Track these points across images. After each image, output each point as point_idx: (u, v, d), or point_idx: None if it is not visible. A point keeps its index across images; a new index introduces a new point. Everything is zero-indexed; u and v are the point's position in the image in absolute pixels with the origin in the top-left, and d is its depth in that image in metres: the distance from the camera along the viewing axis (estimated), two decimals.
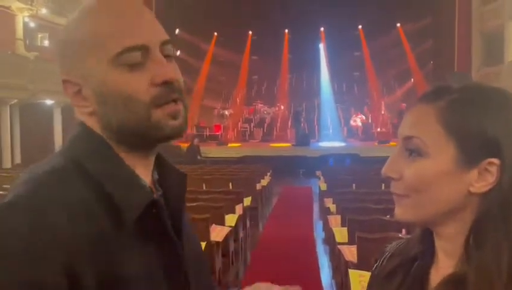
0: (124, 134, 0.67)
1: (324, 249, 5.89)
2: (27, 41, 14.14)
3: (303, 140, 15.89)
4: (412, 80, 18.84)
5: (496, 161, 0.60)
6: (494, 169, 0.60)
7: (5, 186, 6.97)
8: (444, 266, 0.65)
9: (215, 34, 19.92)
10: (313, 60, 20.46)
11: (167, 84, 0.66)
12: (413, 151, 0.63)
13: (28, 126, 13.51)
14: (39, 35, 16.08)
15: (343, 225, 4.25)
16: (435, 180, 0.61)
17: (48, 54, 14.67)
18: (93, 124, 0.69)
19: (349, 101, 20.36)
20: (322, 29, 20.34)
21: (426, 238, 0.69)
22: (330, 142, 16.47)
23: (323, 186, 7.68)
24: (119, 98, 0.65)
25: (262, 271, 5.17)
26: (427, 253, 0.69)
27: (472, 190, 0.61)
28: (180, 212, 0.75)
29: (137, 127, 0.66)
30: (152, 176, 0.75)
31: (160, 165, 0.77)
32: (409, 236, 0.77)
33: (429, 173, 0.62)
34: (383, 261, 0.76)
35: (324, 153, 14.42)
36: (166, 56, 0.69)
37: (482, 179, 0.60)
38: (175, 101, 0.68)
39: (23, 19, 13.32)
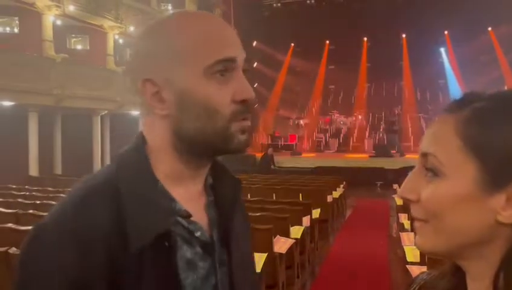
0: (195, 141, 0.70)
1: (398, 268, 5.54)
2: (117, 57, 15.33)
3: (382, 151, 15.23)
4: (506, 87, 17.25)
5: None
6: None
7: None
8: None
9: (292, 44, 20.01)
10: (394, 68, 19.68)
11: (245, 102, 0.71)
12: (430, 170, 0.53)
13: (117, 134, 14.58)
14: (128, 51, 17.37)
15: None
16: (452, 205, 0.51)
17: None
18: (164, 126, 0.71)
19: (433, 111, 19.22)
20: (403, 35, 19.53)
21: (458, 273, 0.58)
22: (411, 154, 15.61)
23: (399, 201, 7.25)
24: (203, 108, 0.68)
25: (331, 285, 5.00)
26: None
27: (500, 219, 0.49)
28: (230, 219, 0.77)
29: (212, 137, 0.70)
30: (206, 180, 0.77)
31: (215, 169, 0.79)
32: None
33: (445, 197, 0.51)
34: None
35: (404, 165, 13.68)
36: (243, 70, 0.73)
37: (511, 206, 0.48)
38: (246, 118, 0.72)
39: (113, 36, 14.49)
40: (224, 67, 0.69)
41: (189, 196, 0.75)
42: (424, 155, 0.54)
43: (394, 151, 16.54)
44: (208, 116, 0.69)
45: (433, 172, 0.53)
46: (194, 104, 0.69)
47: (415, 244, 0.56)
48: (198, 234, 0.73)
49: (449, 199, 0.51)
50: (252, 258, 0.89)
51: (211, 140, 0.70)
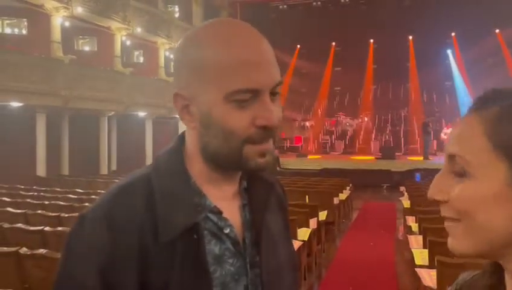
0: (215, 157, 0.73)
1: (406, 271, 5.51)
2: (124, 58, 15.39)
3: (387, 153, 15.17)
4: None
5: None
6: None
7: (100, 191, 7.63)
8: None
9: (298, 46, 19.99)
10: (400, 70, 19.61)
11: (265, 128, 0.70)
12: (458, 171, 0.53)
13: (123, 136, 14.65)
14: (135, 53, 17.45)
15: (424, 247, 3.96)
16: (482, 205, 0.50)
17: (141, 70, 15.84)
18: (193, 136, 0.76)
19: (440, 113, 19.13)
20: (410, 37, 19.46)
21: (497, 270, 0.57)
22: (418, 156, 15.54)
23: (406, 204, 7.22)
24: (221, 130, 0.70)
25: (337, 288, 4.99)
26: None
27: None
28: (262, 222, 0.78)
29: (228, 157, 0.72)
30: (240, 184, 0.80)
31: (249, 173, 0.80)
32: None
33: (475, 197, 0.51)
34: None
35: (410, 168, 13.64)
36: (273, 94, 0.72)
37: None
38: (266, 142, 0.72)
39: (120, 37, 14.55)
40: (244, 97, 0.69)
41: (222, 195, 0.77)
42: (451, 157, 0.54)
43: (400, 154, 16.46)
44: (224, 137, 0.71)
45: (461, 173, 0.52)
46: (213, 124, 0.71)
47: (449, 247, 0.55)
48: (227, 230, 0.75)
49: (478, 199, 0.50)
50: (292, 263, 0.89)
51: (228, 159, 0.72)
